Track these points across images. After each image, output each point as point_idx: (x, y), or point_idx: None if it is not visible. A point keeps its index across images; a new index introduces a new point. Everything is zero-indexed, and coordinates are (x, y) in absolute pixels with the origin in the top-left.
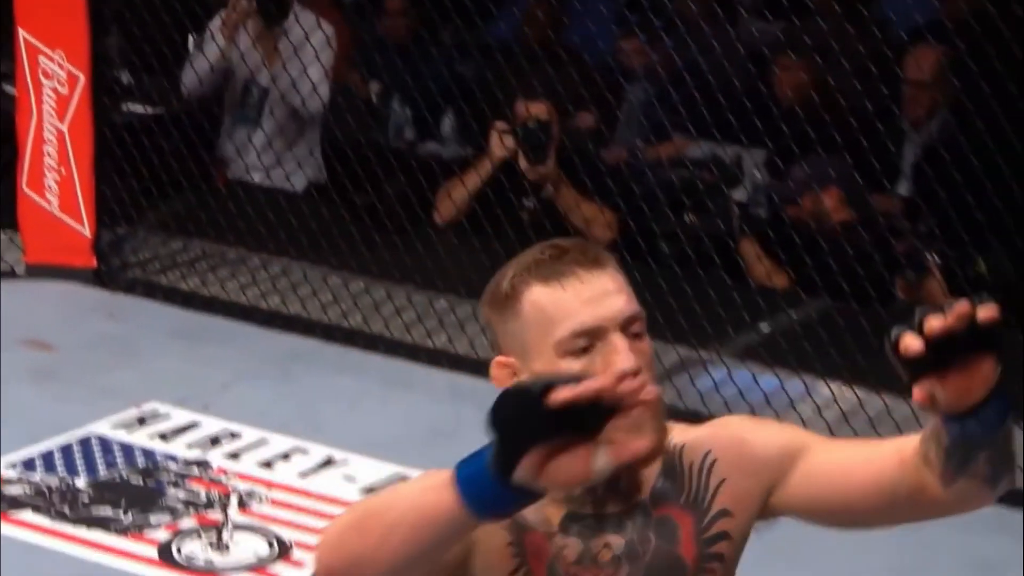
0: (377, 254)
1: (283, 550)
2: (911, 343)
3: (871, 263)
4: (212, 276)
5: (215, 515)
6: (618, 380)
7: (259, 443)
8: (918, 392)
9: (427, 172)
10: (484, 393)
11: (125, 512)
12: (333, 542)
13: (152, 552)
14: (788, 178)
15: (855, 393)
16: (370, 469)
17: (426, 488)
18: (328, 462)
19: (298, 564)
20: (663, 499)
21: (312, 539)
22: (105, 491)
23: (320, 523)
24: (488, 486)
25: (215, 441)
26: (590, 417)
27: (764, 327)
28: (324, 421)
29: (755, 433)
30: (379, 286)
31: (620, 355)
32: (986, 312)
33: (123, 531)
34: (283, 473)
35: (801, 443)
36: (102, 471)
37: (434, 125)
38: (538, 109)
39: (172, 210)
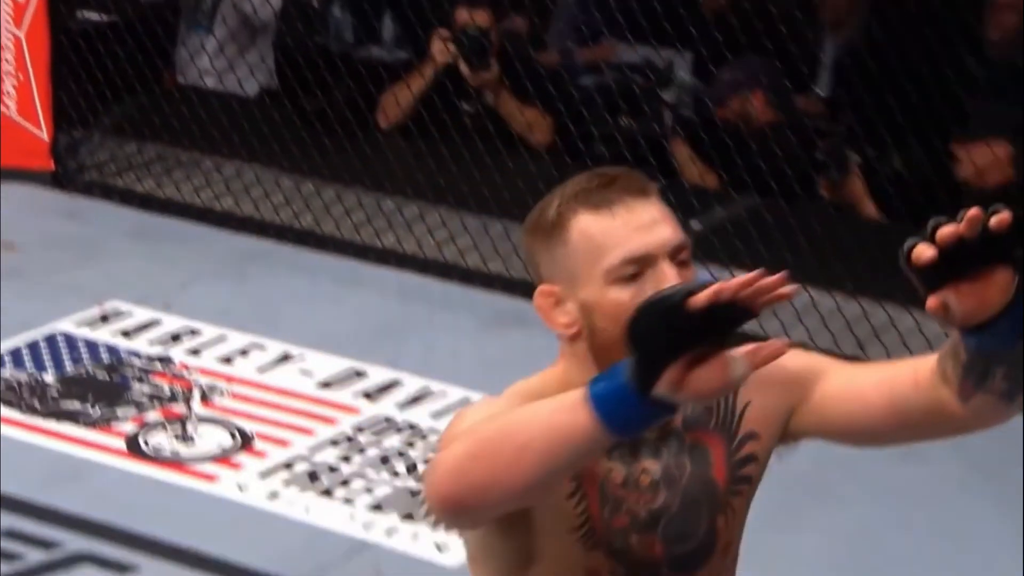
0: (327, 157)
1: (245, 441)
2: (923, 251)
3: (797, 162)
4: (167, 178)
5: (179, 408)
6: (756, 278)
7: (218, 340)
8: (932, 301)
9: (374, 77)
10: (431, 290)
11: (93, 406)
12: (451, 472)
13: (120, 444)
14: (717, 81)
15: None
16: (325, 364)
17: (555, 411)
18: (285, 357)
19: (260, 454)
20: (695, 425)
21: (273, 431)
22: (73, 386)
23: (279, 415)
24: (628, 403)
25: (176, 338)
26: (725, 324)
27: (696, 224)
28: (280, 318)
29: None
30: (329, 188)
31: (669, 282)
32: (999, 219)
33: (92, 424)
34: (242, 368)
35: (819, 367)
36: (69, 367)
37: (376, 30)
38: (479, 16)
39: (127, 114)
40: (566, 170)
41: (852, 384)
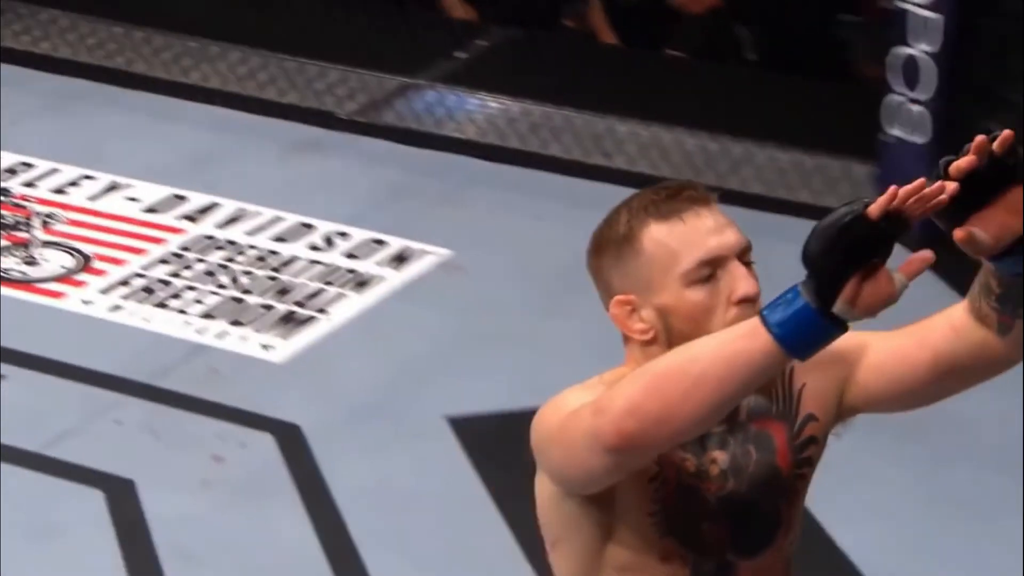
0: (136, 1)
1: (85, 261)
2: (945, 188)
3: None
4: None
5: (22, 235)
6: (920, 186)
7: (51, 172)
8: (959, 232)
9: None
10: (237, 121)
11: None
12: (628, 409)
13: None
14: None
15: (544, 108)
16: (149, 191)
17: (728, 340)
18: (113, 187)
19: (100, 273)
20: (758, 414)
21: (109, 252)
22: None
23: (114, 238)
24: (809, 323)
25: (12, 171)
26: (889, 237)
27: (460, 55)
28: (104, 152)
29: None
30: (139, 30)
31: (742, 281)
32: (1002, 139)
33: None
34: (76, 197)
35: (860, 340)
36: None
37: None
38: None
39: None
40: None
41: (895, 350)
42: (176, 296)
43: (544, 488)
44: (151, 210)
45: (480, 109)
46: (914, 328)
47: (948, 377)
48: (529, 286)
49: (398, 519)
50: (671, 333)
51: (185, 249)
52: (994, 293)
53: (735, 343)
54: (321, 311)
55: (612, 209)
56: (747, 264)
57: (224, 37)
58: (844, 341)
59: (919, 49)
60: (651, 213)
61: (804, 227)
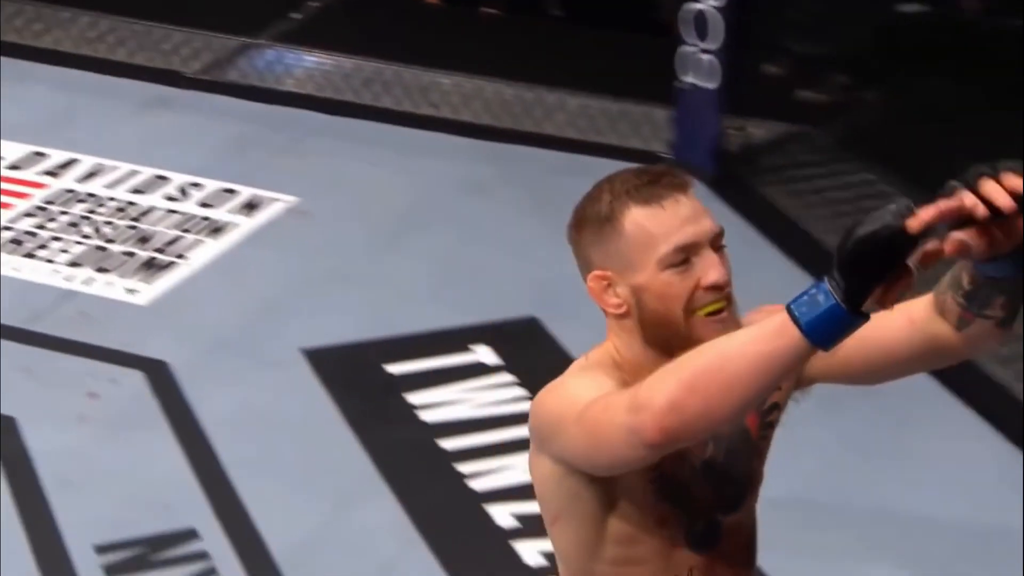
0: None
1: None
2: (974, 208)
3: None
4: None
5: None
6: (959, 203)
7: None
8: (952, 242)
9: None
10: (92, 83)
11: None
12: (670, 406)
13: None
14: None
15: (375, 64)
16: (11, 149)
17: (759, 339)
18: None
19: None
20: None
21: None
22: None
23: None
24: (839, 322)
25: None
26: (919, 244)
27: (296, 15)
28: None
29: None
30: None
31: (713, 269)
32: (1012, 186)
33: None
34: None
35: None
36: None
37: None
38: None
39: None
40: None
41: (854, 335)
42: (43, 247)
43: (543, 467)
44: (14, 167)
45: (317, 66)
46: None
47: (898, 363)
48: (369, 228)
49: (262, 444)
50: (643, 310)
51: (49, 203)
52: (963, 289)
53: (768, 342)
54: (180, 256)
55: (594, 186)
56: (719, 249)
57: (74, 3)
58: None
59: (708, 4)
60: (633, 197)
61: (612, 166)
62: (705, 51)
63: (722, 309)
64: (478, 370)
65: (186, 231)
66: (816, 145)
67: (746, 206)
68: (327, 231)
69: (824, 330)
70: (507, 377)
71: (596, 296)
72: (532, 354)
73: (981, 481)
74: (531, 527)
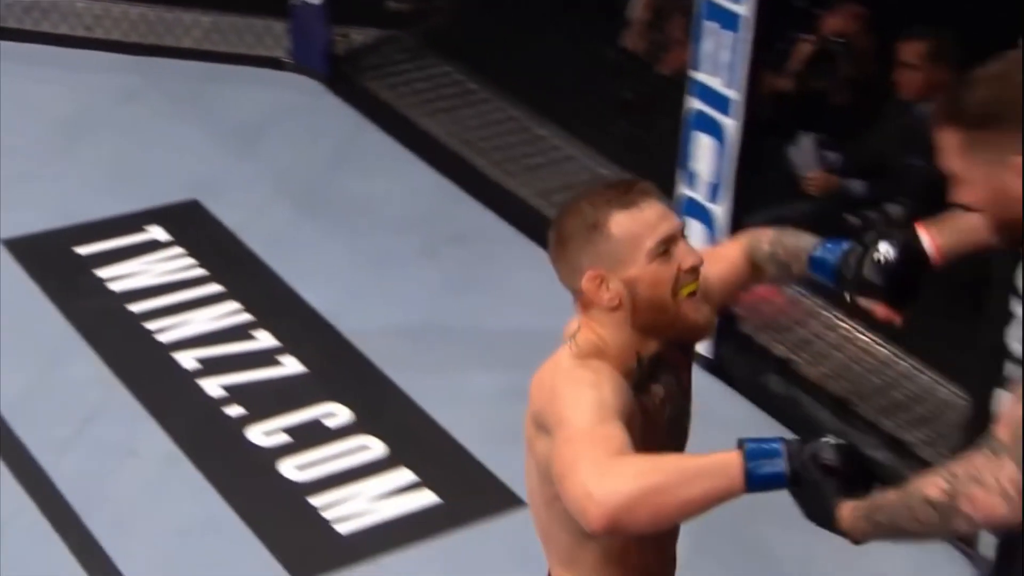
0: None
1: None
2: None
3: None
4: None
5: None
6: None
7: None
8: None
9: None
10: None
11: None
12: (623, 507)
13: None
14: None
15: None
16: None
17: (712, 474)
18: None
19: None
20: (670, 351)
21: None
22: None
23: None
24: (781, 484)
25: None
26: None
27: None
28: None
29: None
30: None
31: (689, 255)
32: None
33: None
34: None
35: (706, 275)
36: None
37: None
38: None
39: None
40: None
41: (719, 280)
42: None
43: (543, 445)
44: None
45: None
46: (728, 255)
47: (735, 289)
48: (40, 133)
49: None
50: (636, 299)
51: None
52: (792, 272)
53: (715, 481)
54: None
55: (567, 205)
56: (684, 238)
57: None
58: (705, 282)
59: None
60: (614, 204)
61: (244, 72)
62: None
63: (697, 289)
64: (153, 246)
65: None
66: (404, 46)
67: (355, 99)
68: (9, 140)
69: (768, 486)
70: (178, 250)
71: (591, 294)
72: (197, 229)
73: (553, 295)
74: (210, 368)
